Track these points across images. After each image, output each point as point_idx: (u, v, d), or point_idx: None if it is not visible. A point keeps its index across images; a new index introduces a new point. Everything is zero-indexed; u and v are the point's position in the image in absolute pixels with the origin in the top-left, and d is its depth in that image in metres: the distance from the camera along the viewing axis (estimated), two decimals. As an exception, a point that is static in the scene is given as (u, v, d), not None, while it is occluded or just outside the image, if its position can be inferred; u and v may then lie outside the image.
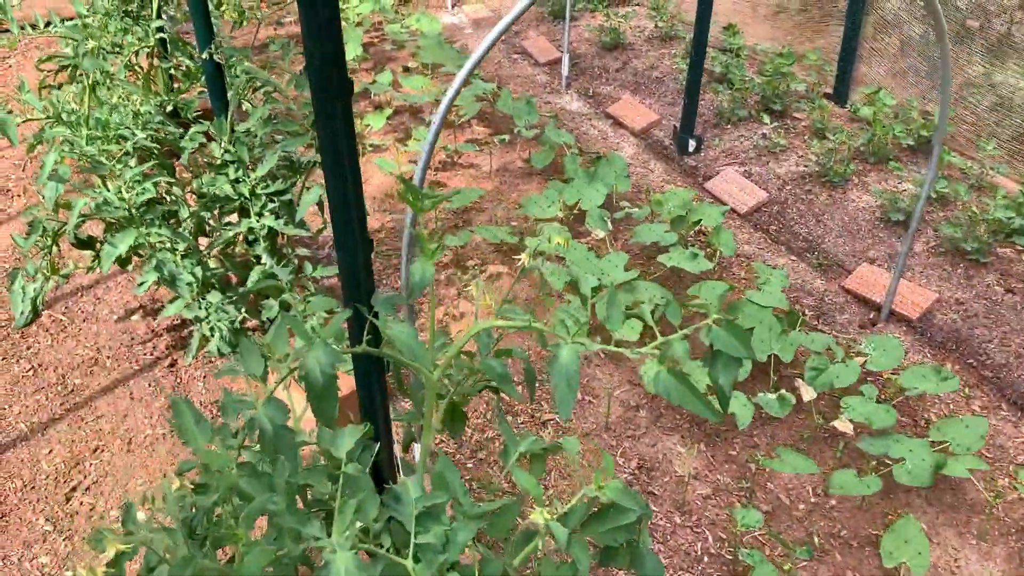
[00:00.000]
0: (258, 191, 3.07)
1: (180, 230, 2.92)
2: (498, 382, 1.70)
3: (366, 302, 1.58)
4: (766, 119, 5.60)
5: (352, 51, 6.34)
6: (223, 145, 3.10)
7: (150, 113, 3.15)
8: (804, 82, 5.83)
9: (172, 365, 3.75)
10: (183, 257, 2.98)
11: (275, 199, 3.10)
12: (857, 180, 5.02)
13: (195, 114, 3.91)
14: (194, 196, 3.28)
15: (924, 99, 5.51)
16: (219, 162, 3.09)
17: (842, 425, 3.19)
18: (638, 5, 7.69)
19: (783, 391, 3.32)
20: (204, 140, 3.16)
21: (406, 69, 6.36)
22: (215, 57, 3.12)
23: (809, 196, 4.98)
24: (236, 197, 3.04)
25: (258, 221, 3.05)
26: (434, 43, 6.41)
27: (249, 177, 3.08)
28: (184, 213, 3.05)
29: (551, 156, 5.02)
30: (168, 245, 2.87)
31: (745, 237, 4.76)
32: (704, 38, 5.12)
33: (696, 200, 4.59)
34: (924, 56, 5.41)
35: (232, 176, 3.07)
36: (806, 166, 5.20)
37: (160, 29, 4.06)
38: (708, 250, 4.49)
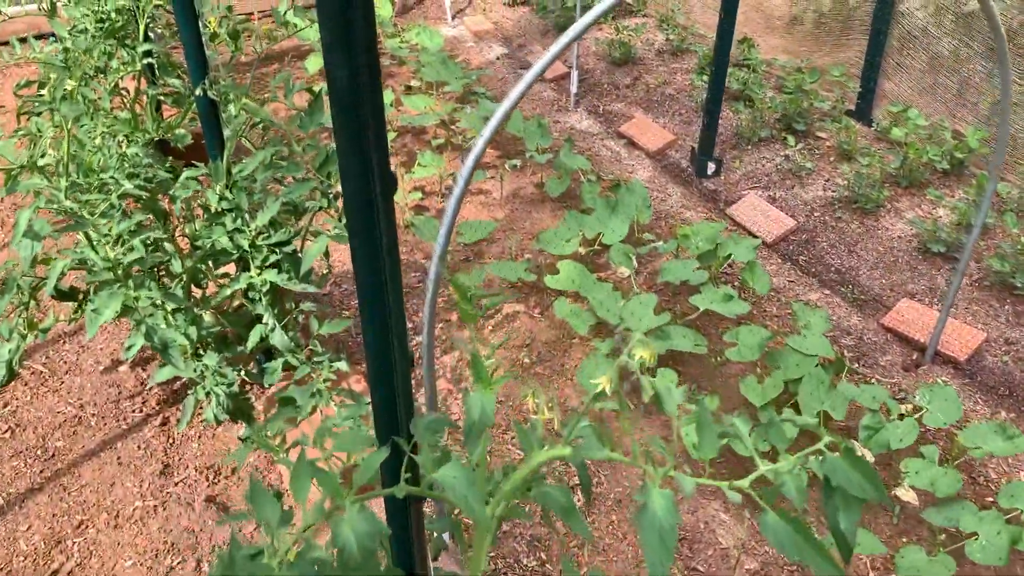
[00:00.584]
0: (259, 242, 2.76)
1: (172, 289, 2.61)
2: (562, 516, 1.40)
3: (405, 432, 1.29)
4: (790, 140, 5.32)
5: (350, 68, 6.03)
6: (219, 191, 2.79)
7: (138, 155, 2.84)
8: (826, 99, 5.56)
9: (164, 424, 3.44)
10: (175, 312, 2.67)
11: (277, 250, 2.80)
12: (889, 206, 4.74)
13: (187, 144, 3.60)
14: (187, 239, 2.97)
15: (953, 117, 5.25)
16: (215, 210, 2.78)
17: (905, 494, 2.90)
18: (646, 16, 7.41)
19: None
20: (198, 185, 2.85)
21: (408, 88, 6.06)
22: (209, 93, 2.81)
23: (840, 224, 4.70)
24: (234, 250, 2.73)
25: (259, 276, 2.74)
26: (436, 60, 6.11)
27: (248, 227, 2.78)
28: (177, 267, 2.74)
29: (566, 183, 4.72)
30: (159, 304, 2.56)
31: (773, 268, 4.47)
32: (726, 55, 4.84)
33: (723, 231, 4.30)
34: (953, 72, 5.14)
35: (230, 226, 2.76)
36: (834, 191, 4.92)
37: (148, 53, 3.75)
38: (737, 284, 4.21)
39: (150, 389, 3.58)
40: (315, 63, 6.17)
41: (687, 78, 6.28)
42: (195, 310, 2.67)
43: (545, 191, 5.00)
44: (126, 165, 2.83)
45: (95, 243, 2.52)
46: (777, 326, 3.98)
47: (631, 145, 5.67)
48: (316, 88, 3.04)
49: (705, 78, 6.04)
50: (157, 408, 3.51)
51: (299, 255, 2.90)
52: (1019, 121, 4.97)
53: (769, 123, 5.51)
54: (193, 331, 2.68)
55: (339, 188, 2.83)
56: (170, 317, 2.61)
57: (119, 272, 2.44)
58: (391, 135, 5.26)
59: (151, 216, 2.72)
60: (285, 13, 6.68)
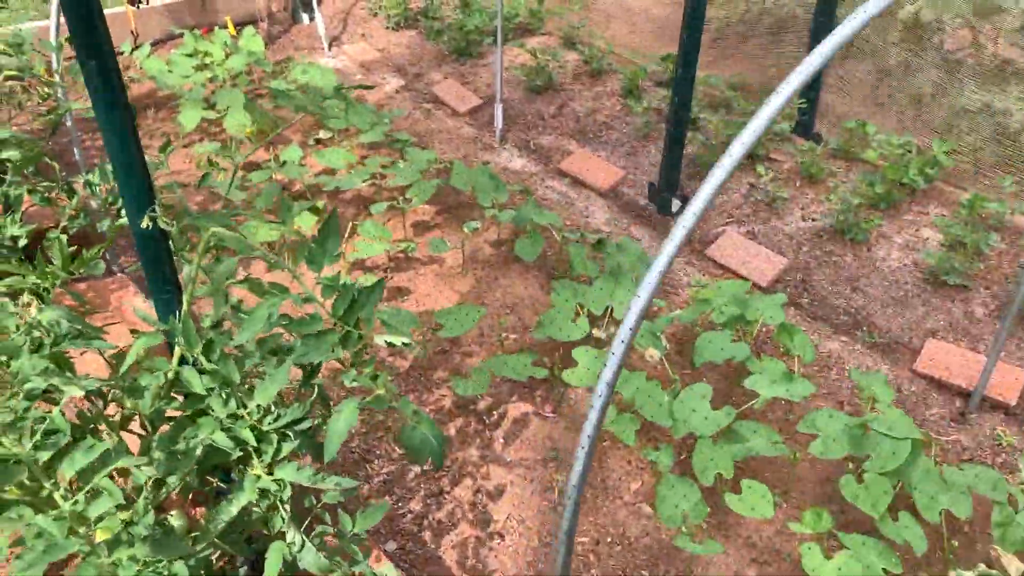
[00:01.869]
0: (266, 428, 1.92)
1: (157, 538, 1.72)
2: None
3: None
4: (759, 168, 4.94)
5: (236, 119, 5.05)
6: (194, 357, 1.93)
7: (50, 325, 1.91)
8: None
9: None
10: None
11: (290, 433, 1.97)
12: (875, 232, 4.46)
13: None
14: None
15: (902, 129, 5.08)
16: (194, 392, 1.91)
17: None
18: (547, 35, 6.86)
19: (982, 567, 2.59)
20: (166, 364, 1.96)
21: (318, 141, 5.15)
22: (162, 224, 1.94)
23: (833, 258, 4.36)
24: (234, 448, 1.88)
25: (272, 477, 1.91)
26: (338, 100, 5.24)
27: (247, 408, 1.93)
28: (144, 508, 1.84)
29: (539, 244, 4.06)
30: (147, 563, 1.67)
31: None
32: (690, 84, 4.37)
33: (730, 286, 3.82)
34: (903, 85, 4.97)
35: (221, 413, 1.90)
36: (814, 220, 4.59)
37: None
38: (762, 345, 3.74)
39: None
40: (191, 117, 5.13)
41: (616, 103, 5.79)
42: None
43: (507, 251, 4.33)
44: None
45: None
46: (830, 398, 3.54)
47: (577, 184, 5.10)
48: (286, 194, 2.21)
49: (639, 103, 5.58)
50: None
51: (314, 433, 2.08)
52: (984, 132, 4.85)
53: (720, 148, 5.12)
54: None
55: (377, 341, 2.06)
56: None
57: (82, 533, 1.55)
58: (317, 204, 4.34)
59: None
60: (133, 52, 5.56)
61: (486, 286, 4.14)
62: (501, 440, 3.31)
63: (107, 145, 1.88)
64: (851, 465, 3.06)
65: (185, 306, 2.01)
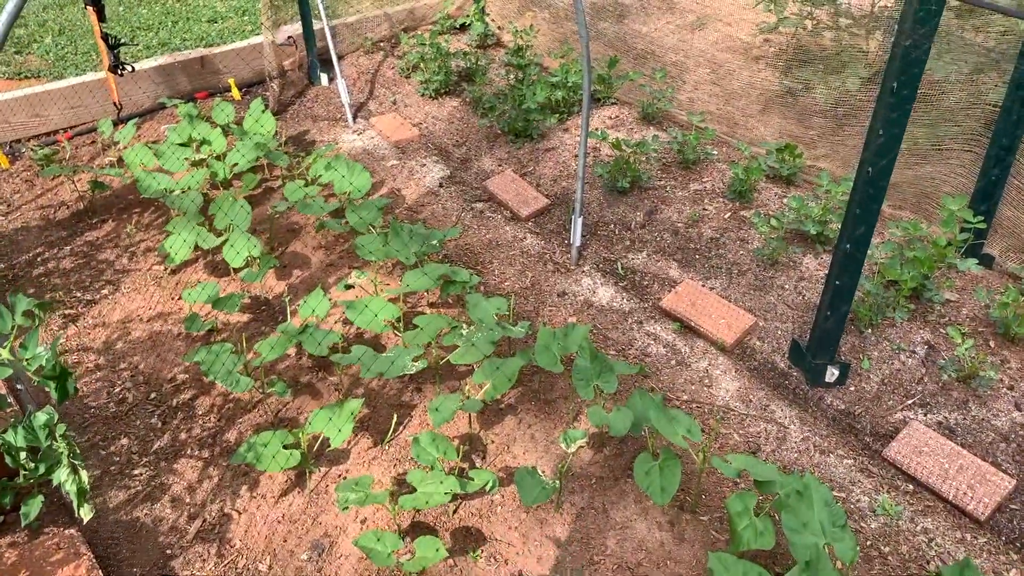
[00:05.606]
0: None
1: None
2: None
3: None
4: (931, 315, 3.67)
5: (239, 247, 3.82)
6: None
7: None
8: (942, 240, 3.98)
9: None
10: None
11: None
12: (1124, 431, 3.21)
13: None
14: None
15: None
16: None
17: None
18: (618, 105, 5.63)
19: None
20: None
21: (348, 287, 3.90)
22: None
23: (1078, 477, 3.11)
24: None
25: None
26: (374, 215, 4.00)
27: None
28: None
29: (674, 479, 2.79)
30: None
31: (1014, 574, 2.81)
32: (871, 220, 3.13)
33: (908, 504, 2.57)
34: None
35: None
36: (1034, 409, 3.34)
37: None
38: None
39: None
40: (181, 245, 3.90)
41: (724, 208, 4.55)
42: None
43: (615, 459, 3.09)
44: None
45: None
46: None
47: (689, 332, 3.86)
48: None
49: (760, 216, 4.32)
50: None
51: None
52: None
53: (890, 295, 3.87)
54: None
55: None
56: None
57: None
58: (355, 405, 3.07)
59: None
60: (116, 131, 4.29)
61: (593, 526, 2.90)
62: None
63: None
64: None
65: None
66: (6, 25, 2.11)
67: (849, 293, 3.31)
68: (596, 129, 5.20)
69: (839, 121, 4.81)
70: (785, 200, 4.56)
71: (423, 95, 5.87)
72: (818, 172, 4.59)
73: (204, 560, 2.77)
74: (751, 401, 3.49)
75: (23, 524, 2.40)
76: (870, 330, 3.74)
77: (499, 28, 6.72)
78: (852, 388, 3.55)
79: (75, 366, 3.58)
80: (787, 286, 4.03)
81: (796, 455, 3.25)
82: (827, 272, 3.51)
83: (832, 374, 3.53)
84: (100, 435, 3.25)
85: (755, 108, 5.42)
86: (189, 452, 3.17)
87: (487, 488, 2.83)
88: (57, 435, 2.11)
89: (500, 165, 5.11)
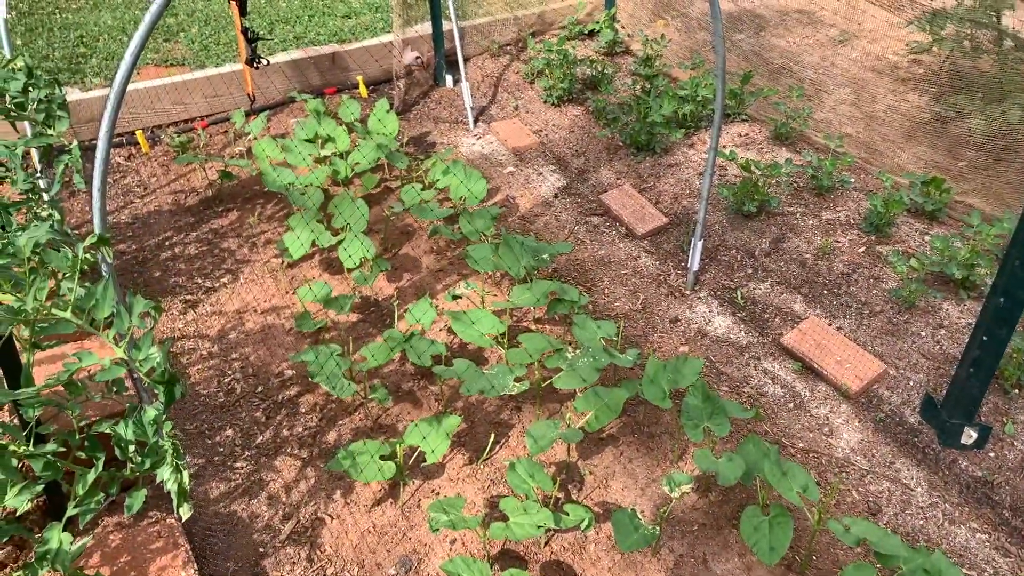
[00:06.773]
0: None
1: None
2: None
3: None
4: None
5: (354, 249, 3.84)
6: None
7: None
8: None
9: None
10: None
11: None
12: None
13: None
14: None
15: None
16: None
17: None
18: (748, 122, 5.37)
19: None
20: None
21: (455, 298, 3.86)
22: None
23: None
24: None
25: None
26: (485, 222, 3.95)
27: None
28: None
29: (786, 537, 2.59)
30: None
31: None
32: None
33: None
34: None
35: None
36: None
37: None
38: None
39: None
40: (299, 243, 3.96)
41: (858, 242, 4.24)
42: None
43: (718, 506, 2.90)
44: None
45: None
46: None
47: (810, 373, 3.61)
48: None
49: (898, 255, 3.99)
50: None
51: None
52: None
53: (1031, 342, 3.51)
54: None
55: None
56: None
57: None
58: (453, 420, 3.02)
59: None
60: (248, 122, 4.42)
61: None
62: None
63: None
64: None
65: None
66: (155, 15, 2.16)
67: (998, 350, 3.00)
68: (724, 147, 4.98)
69: (996, 155, 4.40)
70: (927, 238, 4.21)
71: (546, 102, 5.78)
72: (967, 210, 4.21)
73: (294, 563, 2.78)
74: (874, 456, 3.22)
75: (126, 515, 2.47)
76: (1017, 391, 3.39)
77: (628, 36, 6.55)
78: (992, 454, 3.21)
79: (189, 352, 3.68)
80: (923, 333, 3.71)
81: (921, 522, 2.97)
82: (973, 323, 3.20)
83: (970, 436, 3.21)
84: (208, 424, 3.32)
85: (898, 134, 5.04)
86: (289, 450, 3.20)
87: (582, 526, 2.70)
88: (164, 433, 2.14)
89: (619, 178, 4.96)
